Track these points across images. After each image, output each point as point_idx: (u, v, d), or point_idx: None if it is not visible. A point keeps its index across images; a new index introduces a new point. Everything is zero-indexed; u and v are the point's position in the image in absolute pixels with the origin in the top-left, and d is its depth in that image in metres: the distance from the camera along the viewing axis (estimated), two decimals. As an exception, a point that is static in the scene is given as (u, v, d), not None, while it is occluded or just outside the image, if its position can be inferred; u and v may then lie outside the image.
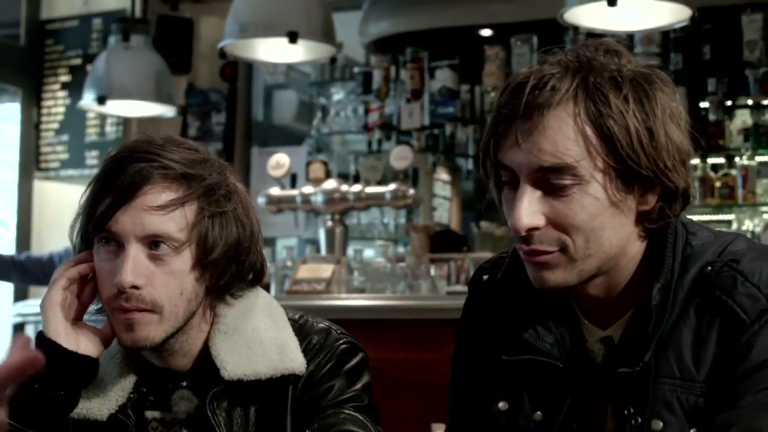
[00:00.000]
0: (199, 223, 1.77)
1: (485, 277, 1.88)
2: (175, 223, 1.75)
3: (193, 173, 1.78)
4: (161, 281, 1.75)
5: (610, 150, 1.58)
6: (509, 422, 1.76)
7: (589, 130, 1.58)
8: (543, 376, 1.74)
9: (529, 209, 1.62)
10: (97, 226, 1.76)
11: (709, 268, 1.65)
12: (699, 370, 1.62)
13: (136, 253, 1.74)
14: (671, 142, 1.60)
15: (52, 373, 1.73)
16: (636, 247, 1.69)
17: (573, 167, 1.58)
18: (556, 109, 1.59)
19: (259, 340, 1.86)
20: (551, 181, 1.60)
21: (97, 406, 1.84)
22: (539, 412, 1.74)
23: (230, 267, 1.82)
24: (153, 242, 1.74)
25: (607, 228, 1.62)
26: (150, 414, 1.87)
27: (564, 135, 1.58)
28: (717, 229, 1.78)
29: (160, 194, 1.75)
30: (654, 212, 1.65)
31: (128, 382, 1.87)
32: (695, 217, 5.53)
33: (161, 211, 1.74)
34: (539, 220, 1.62)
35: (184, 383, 1.87)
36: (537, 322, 1.75)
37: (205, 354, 1.85)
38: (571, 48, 1.68)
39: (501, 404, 1.77)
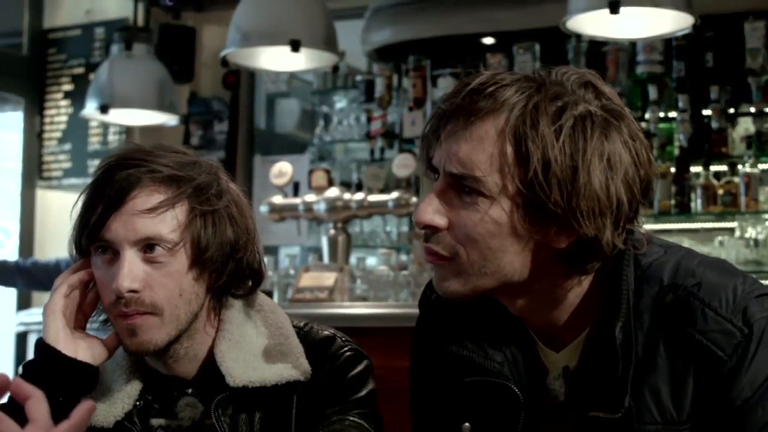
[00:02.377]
0: (191, 223, 1.78)
1: (433, 296, 1.84)
2: (166, 224, 1.76)
3: (181, 175, 1.79)
4: (159, 283, 1.76)
5: (523, 174, 1.54)
6: None
7: (509, 149, 1.55)
8: (498, 397, 1.71)
9: (434, 207, 1.61)
10: (90, 236, 1.77)
11: (671, 295, 1.61)
12: (680, 412, 1.59)
13: (131, 257, 1.74)
14: (591, 188, 1.53)
15: (50, 380, 1.73)
16: (575, 285, 1.65)
17: (480, 180, 1.56)
18: (485, 120, 1.56)
19: (264, 347, 1.86)
20: (463, 187, 1.59)
21: (104, 413, 1.84)
22: None
23: (228, 265, 1.83)
24: (147, 245, 1.75)
25: (508, 252, 1.59)
26: (155, 421, 1.88)
27: (482, 147, 1.56)
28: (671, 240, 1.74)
29: (149, 197, 1.76)
30: (568, 256, 1.60)
31: (134, 390, 1.87)
32: (698, 225, 5.46)
33: (151, 214, 1.75)
34: (440, 221, 1.61)
35: (190, 390, 1.87)
36: (486, 341, 1.72)
37: (211, 361, 1.85)
38: (549, 67, 1.64)
39: (465, 425, 1.73)
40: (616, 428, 1.60)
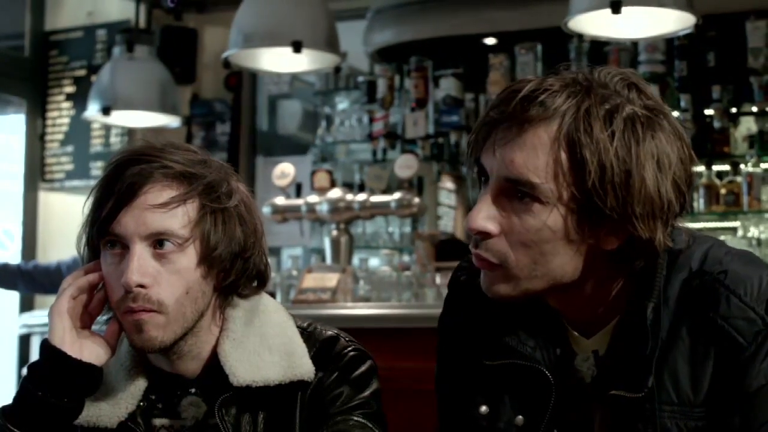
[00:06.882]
0: (201, 220, 1.78)
1: (463, 278, 1.86)
2: (177, 220, 1.76)
3: (193, 172, 1.79)
4: (167, 280, 1.76)
5: (579, 180, 1.55)
6: (490, 426, 1.75)
7: (563, 155, 1.56)
8: (525, 381, 1.72)
9: (486, 213, 1.62)
10: (101, 229, 1.77)
11: (697, 281, 1.63)
12: (696, 395, 1.60)
13: (141, 252, 1.75)
14: (646, 191, 1.55)
15: (55, 381, 1.74)
16: (615, 282, 1.67)
17: (536, 186, 1.57)
18: (538, 127, 1.57)
19: (267, 347, 1.86)
20: (516, 193, 1.59)
21: (107, 414, 1.84)
22: (521, 417, 1.73)
23: (236, 264, 1.83)
24: (157, 241, 1.76)
25: (559, 256, 1.60)
26: (158, 421, 1.88)
27: (536, 154, 1.57)
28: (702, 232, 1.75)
29: (161, 192, 1.76)
30: (618, 256, 1.62)
31: (138, 389, 1.87)
32: (700, 225, 5.47)
33: (163, 209, 1.75)
34: (492, 227, 1.61)
35: (193, 390, 1.87)
36: (518, 325, 1.74)
37: (214, 360, 1.85)
38: (590, 66, 1.64)
39: (483, 408, 1.76)
40: (636, 408, 1.62)
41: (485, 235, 1.62)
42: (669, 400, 1.61)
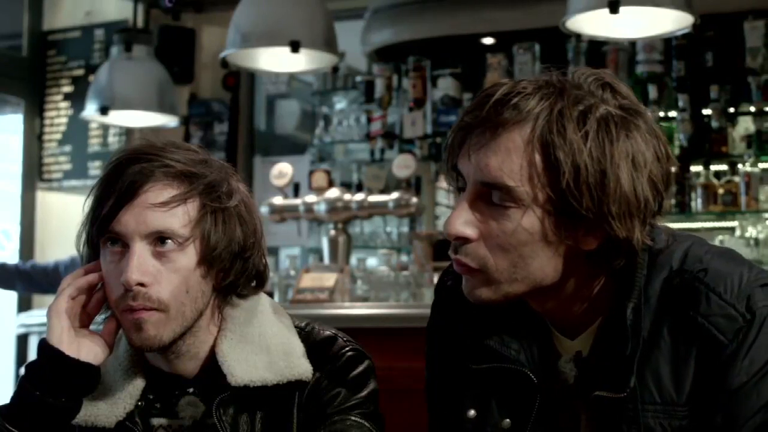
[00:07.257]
0: (201, 220, 1.78)
1: (449, 282, 1.87)
2: (177, 219, 1.76)
3: (194, 171, 1.79)
4: (167, 279, 1.76)
5: (553, 182, 1.56)
6: (477, 429, 1.76)
7: (537, 157, 1.56)
8: (511, 384, 1.73)
9: (464, 218, 1.62)
10: (101, 227, 1.77)
11: (678, 280, 1.63)
12: (679, 394, 1.61)
13: (141, 251, 1.75)
14: (621, 190, 1.55)
15: (53, 380, 1.74)
16: (596, 281, 1.67)
17: (511, 189, 1.57)
18: (511, 131, 1.57)
19: (266, 347, 1.86)
20: (492, 197, 1.60)
21: (105, 413, 1.84)
22: (507, 420, 1.74)
23: (235, 264, 1.83)
24: (157, 239, 1.76)
25: (538, 258, 1.61)
26: (156, 421, 1.88)
27: (510, 158, 1.57)
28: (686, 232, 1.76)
29: (161, 191, 1.76)
30: (597, 255, 1.62)
31: (136, 389, 1.87)
32: (699, 225, 5.45)
33: (164, 208, 1.75)
34: (471, 232, 1.62)
35: (191, 389, 1.87)
36: (502, 329, 1.74)
37: (212, 360, 1.86)
38: (565, 70, 1.65)
39: (470, 412, 1.77)
40: (619, 408, 1.62)
41: (464, 240, 1.63)
42: (652, 400, 1.61)
